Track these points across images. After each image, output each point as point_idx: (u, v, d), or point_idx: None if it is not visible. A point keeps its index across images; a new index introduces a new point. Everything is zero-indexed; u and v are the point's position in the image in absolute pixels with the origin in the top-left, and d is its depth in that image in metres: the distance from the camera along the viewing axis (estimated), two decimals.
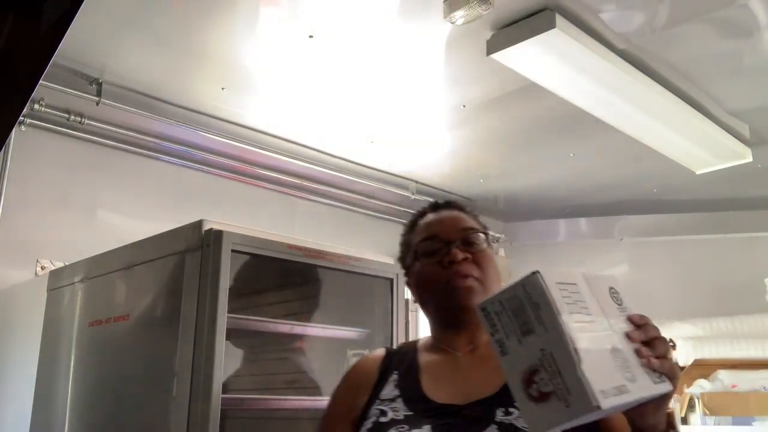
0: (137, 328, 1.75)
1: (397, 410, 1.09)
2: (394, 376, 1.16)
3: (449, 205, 1.28)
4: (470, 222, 1.22)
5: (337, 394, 1.21)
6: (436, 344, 1.18)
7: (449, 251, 1.14)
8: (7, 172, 2.45)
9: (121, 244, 1.96)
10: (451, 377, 1.13)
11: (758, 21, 2.14)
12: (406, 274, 1.25)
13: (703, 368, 3.41)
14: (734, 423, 3.12)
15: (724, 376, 3.32)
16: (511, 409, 1.01)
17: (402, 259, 1.27)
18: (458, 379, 1.11)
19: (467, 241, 1.17)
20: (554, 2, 2.04)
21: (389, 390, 1.13)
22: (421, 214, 1.28)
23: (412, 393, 1.11)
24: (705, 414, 3.18)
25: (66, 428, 1.89)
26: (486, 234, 1.21)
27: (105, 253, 2.00)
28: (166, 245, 1.71)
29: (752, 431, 3.07)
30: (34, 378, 2.10)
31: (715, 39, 2.26)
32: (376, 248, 3.65)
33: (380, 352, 1.23)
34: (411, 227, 1.26)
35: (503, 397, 1.01)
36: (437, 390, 1.10)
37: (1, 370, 2.32)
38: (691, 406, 3.28)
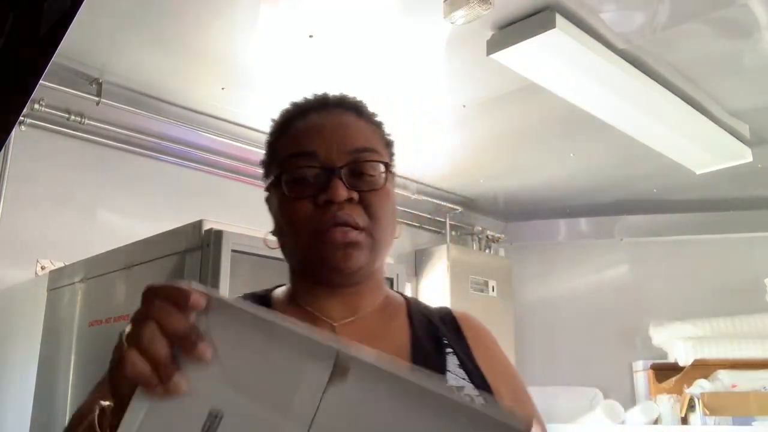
0: None
1: None
2: None
3: (343, 104, 0.93)
4: (367, 138, 0.85)
5: None
6: (300, 305, 0.84)
7: (328, 185, 0.78)
8: (7, 172, 2.45)
9: (121, 244, 1.96)
10: None
11: (758, 21, 2.14)
12: (267, 190, 0.87)
13: (703, 368, 3.41)
14: (734, 423, 3.12)
15: (724, 376, 3.32)
16: None
17: (264, 167, 0.88)
18: None
19: (357, 171, 0.80)
20: (554, 2, 2.04)
21: None
22: (301, 110, 0.93)
23: None
24: (705, 414, 3.17)
25: None
26: (386, 164, 0.84)
27: (105, 253, 2.00)
28: (166, 245, 1.71)
29: (752, 431, 3.07)
30: (34, 378, 2.10)
31: (715, 39, 2.26)
32: None
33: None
34: (282, 125, 0.91)
35: None
36: None
37: (1, 370, 2.32)
38: (691, 406, 3.28)
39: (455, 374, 0.80)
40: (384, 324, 0.84)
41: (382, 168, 0.83)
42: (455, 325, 0.87)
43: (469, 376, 0.80)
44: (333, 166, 0.79)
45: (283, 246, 0.85)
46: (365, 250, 0.79)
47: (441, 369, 0.79)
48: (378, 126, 0.92)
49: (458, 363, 0.81)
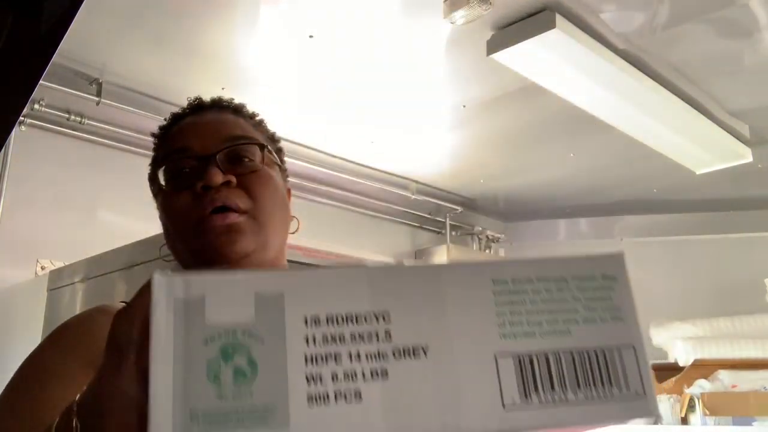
0: None
1: None
2: None
3: (218, 104, 0.90)
4: (243, 129, 0.84)
5: (46, 364, 0.77)
6: None
7: (204, 172, 0.76)
8: (7, 172, 2.45)
9: (121, 244, 1.96)
10: None
11: (758, 21, 2.14)
12: (155, 199, 0.84)
13: (703, 368, 3.41)
14: (734, 423, 3.12)
15: (724, 376, 3.32)
16: None
17: (150, 181, 0.85)
18: None
19: (233, 156, 0.79)
20: (554, 2, 2.04)
21: None
22: (176, 117, 0.89)
23: None
24: (705, 414, 3.17)
25: None
26: (263, 146, 0.82)
27: (105, 253, 2.00)
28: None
29: (752, 431, 3.07)
30: None
31: (715, 39, 2.26)
32: (376, 248, 3.67)
33: (119, 304, 0.83)
34: (163, 135, 0.87)
35: None
36: None
37: (1, 370, 2.32)
38: (691, 406, 3.28)
39: None
40: None
41: (257, 149, 0.81)
42: None
43: None
44: (208, 153, 0.78)
45: (172, 247, 0.82)
46: (250, 235, 0.75)
47: None
48: (258, 123, 0.90)
49: None
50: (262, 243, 0.77)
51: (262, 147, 0.82)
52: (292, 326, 0.37)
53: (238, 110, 0.90)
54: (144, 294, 0.41)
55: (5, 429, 0.72)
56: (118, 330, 0.44)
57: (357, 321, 0.38)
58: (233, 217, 0.75)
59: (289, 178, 0.88)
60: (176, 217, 0.78)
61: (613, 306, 0.48)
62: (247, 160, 0.80)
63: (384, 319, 0.38)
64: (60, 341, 0.82)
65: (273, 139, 0.90)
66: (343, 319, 0.38)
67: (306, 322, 0.37)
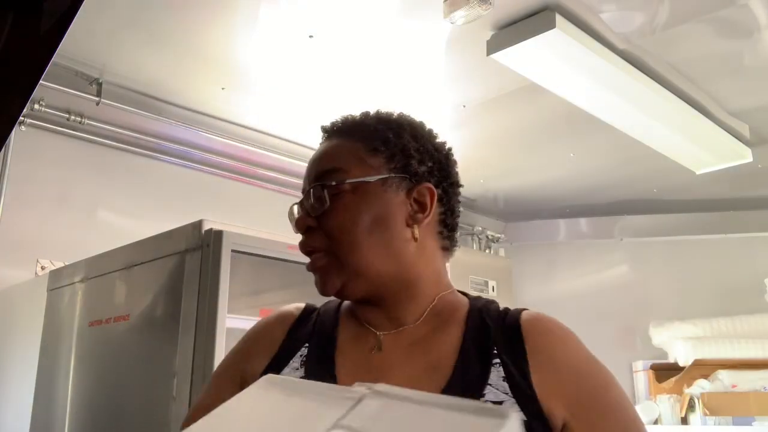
0: (137, 328, 1.75)
1: None
2: (304, 350, 0.87)
3: (327, 130, 0.91)
4: (331, 159, 0.85)
5: (233, 351, 0.94)
6: (356, 317, 0.89)
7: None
8: (7, 172, 2.45)
9: (121, 244, 1.96)
10: (369, 364, 0.83)
11: (758, 21, 2.14)
12: None
13: (703, 368, 3.41)
14: (734, 423, 3.12)
15: (724, 376, 3.32)
16: None
17: None
18: (377, 367, 0.83)
19: (313, 197, 0.83)
20: (554, 2, 2.04)
21: (293, 366, 0.86)
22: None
23: (322, 378, 0.84)
24: (705, 414, 3.18)
25: (66, 428, 1.89)
26: (342, 169, 0.83)
27: (105, 253, 2.00)
28: (166, 245, 1.71)
29: (752, 431, 3.07)
30: (34, 378, 2.10)
31: (715, 39, 2.26)
32: None
33: (296, 308, 0.93)
34: None
35: None
36: (351, 378, 0.81)
37: (1, 370, 2.32)
38: (691, 406, 3.28)
39: (496, 387, 0.74)
40: (431, 333, 0.82)
41: (333, 186, 0.83)
42: (516, 332, 0.79)
43: (513, 390, 0.74)
44: (303, 198, 0.86)
45: None
46: (334, 271, 0.82)
47: (482, 381, 0.74)
48: (356, 139, 0.87)
49: (503, 375, 0.75)
50: (351, 275, 0.82)
51: (342, 170, 0.83)
52: None
53: (338, 132, 0.90)
54: None
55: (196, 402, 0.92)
56: None
57: None
58: (314, 259, 0.83)
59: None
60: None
61: None
62: (318, 200, 0.83)
63: None
64: (245, 334, 0.95)
65: (374, 150, 0.86)
66: None
67: None
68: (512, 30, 2.14)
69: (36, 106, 2.52)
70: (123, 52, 2.41)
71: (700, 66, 2.45)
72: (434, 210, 0.86)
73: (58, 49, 0.70)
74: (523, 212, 4.27)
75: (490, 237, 4.29)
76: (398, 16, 2.15)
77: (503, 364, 0.76)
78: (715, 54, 2.36)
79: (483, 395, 0.73)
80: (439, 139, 0.95)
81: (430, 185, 0.86)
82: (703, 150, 2.95)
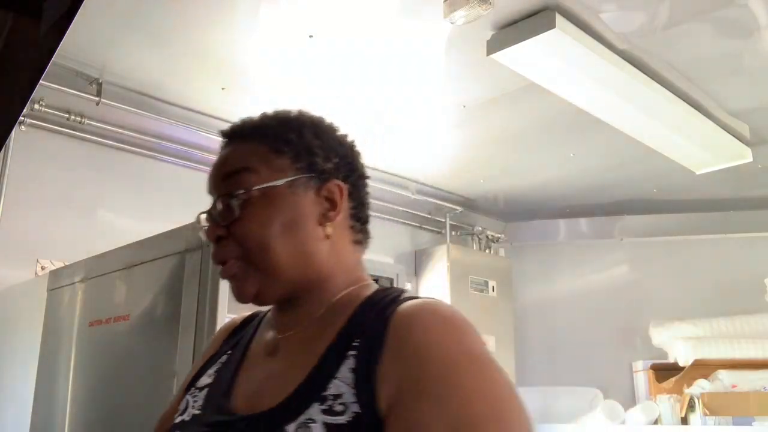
0: (137, 328, 1.75)
1: (195, 407, 0.84)
2: (225, 357, 0.90)
3: (228, 135, 0.88)
4: (235, 162, 0.84)
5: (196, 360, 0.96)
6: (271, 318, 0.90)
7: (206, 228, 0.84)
8: (7, 172, 2.45)
9: (121, 244, 1.96)
10: (263, 368, 0.83)
11: (758, 21, 2.14)
12: None
13: (703, 368, 3.41)
14: (734, 423, 3.12)
15: (724, 376, 3.32)
16: None
17: None
18: (267, 371, 0.82)
19: (222, 206, 0.82)
20: (554, 2, 2.04)
21: (209, 373, 0.88)
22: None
23: (221, 385, 0.84)
24: (705, 414, 3.17)
25: (66, 428, 1.89)
26: (250, 169, 0.81)
27: (105, 253, 2.00)
28: (166, 245, 1.71)
29: (752, 431, 3.07)
30: (34, 378, 2.10)
31: (715, 39, 2.26)
32: (376, 248, 3.66)
33: (241, 316, 0.97)
34: None
35: (285, 413, 0.70)
36: (246, 385, 0.82)
37: (1, 370, 2.32)
38: (691, 406, 3.28)
39: (341, 380, 0.70)
40: (318, 332, 0.78)
41: (241, 191, 0.80)
42: (386, 321, 0.73)
43: (356, 381, 0.69)
44: (209, 208, 0.84)
45: None
46: (248, 278, 0.81)
47: (330, 375, 0.71)
48: (258, 141, 0.84)
49: (352, 366, 0.71)
50: (265, 281, 0.81)
51: (249, 169, 0.81)
52: None
53: (239, 134, 0.87)
54: None
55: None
56: None
57: None
58: (228, 268, 0.81)
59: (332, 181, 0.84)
60: None
61: None
62: (227, 208, 0.81)
63: None
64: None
65: (278, 151, 0.83)
66: None
67: None
68: (512, 30, 2.14)
69: (36, 106, 2.51)
70: (123, 52, 2.41)
71: (700, 66, 2.45)
72: (345, 205, 0.84)
73: (58, 49, 0.70)
74: (523, 212, 4.27)
75: (490, 237, 4.29)
76: (398, 16, 2.15)
77: (357, 354, 0.72)
78: (715, 54, 2.36)
79: (327, 389, 0.70)
80: (341, 132, 0.93)
81: (339, 182, 0.84)
82: (703, 150, 2.95)
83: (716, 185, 3.53)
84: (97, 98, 2.55)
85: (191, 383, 0.89)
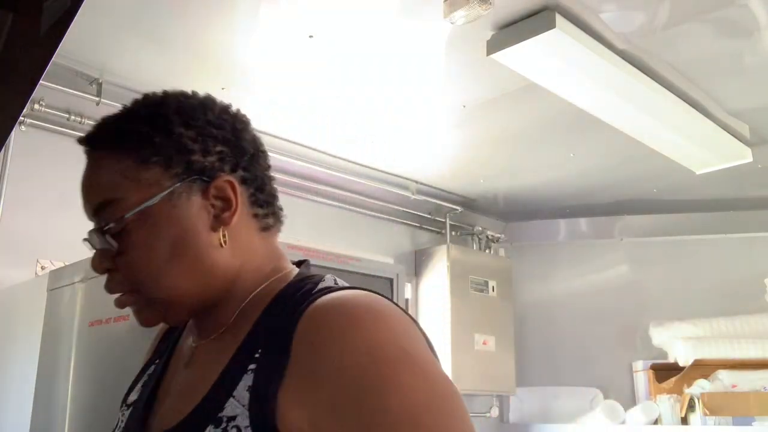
0: (137, 328, 1.74)
1: (120, 427, 0.80)
2: (152, 368, 0.87)
3: (92, 141, 0.80)
4: (105, 189, 0.73)
5: None
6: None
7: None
8: (7, 172, 2.45)
9: None
10: (179, 380, 0.77)
11: (758, 21, 2.14)
12: None
13: (703, 368, 3.41)
14: (734, 423, 3.12)
15: (724, 376, 3.32)
16: None
17: None
18: (182, 384, 0.76)
19: (100, 242, 0.74)
20: (554, 2, 2.04)
21: (137, 389, 0.85)
22: None
23: (142, 402, 0.79)
24: (705, 414, 3.18)
25: (66, 428, 1.89)
26: (117, 200, 0.71)
27: None
28: None
29: (752, 431, 3.07)
30: (34, 378, 2.10)
31: (715, 39, 2.26)
32: (376, 248, 3.67)
33: None
34: None
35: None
36: (163, 401, 0.77)
37: (1, 370, 2.32)
38: (691, 406, 3.28)
39: (238, 399, 0.63)
40: (228, 340, 0.71)
41: (112, 225, 0.71)
42: (291, 326, 0.64)
43: (252, 401, 0.61)
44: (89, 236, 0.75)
45: None
46: (147, 308, 0.74)
47: (228, 393, 0.64)
48: (121, 152, 0.74)
49: (250, 384, 0.63)
50: (165, 307, 0.73)
51: (107, 228, 0.71)
52: None
53: (109, 144, 0.76)
54: None
55: None
56: None
57: None
58: (123, 300, 0.75)
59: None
60: None
61: None
62: (109, 244, 0.72)
63: None
64: None
65: (143, 161, 0.71)
66: None
67: None
68: (512, 30, 2.14)
69: (36, 106, 2.51)
70: (123, 52, 2.41)
71: (700, 66, 2.45)
72: (241, 198, 0.74)
73: (58, 49, 0.70)
74: (523, 212, 4.27)
75: (490, 237, 4.29)
76: (398, 16, 2.15)
77: (257, 369, 0.64)
78: (715, 54, 2.36)
79: (223, 409, 0.63)
80: (219, 106, 0.82)
81: (227, 176, 0.73)
82: (703, 150, 2.95)
83: (716, 185, 3.53)
84: (97, 98, 2.55)
85: (124, 398, 0.86)
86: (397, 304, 0.68)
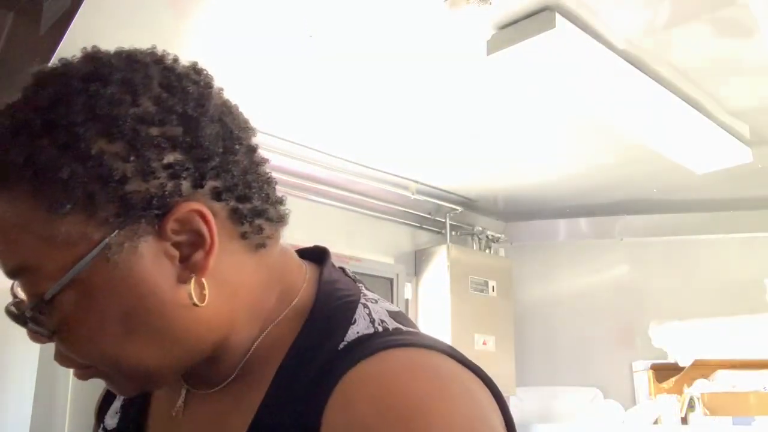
0: None
1: None
2: (119, 402, 0.72)
3: None
4: (9, 255, 0.50)
5: None
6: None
7: None
8: None
9: None
10: (173, 428, 0.63)
11: (758, 21, 2.14)
12: None
13: (703, 368, 3.41)
14: (734, 423, 3.12)
15: (724, 376, 3.32)
16: None
17: None
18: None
19: (29, 321, 0.52)
20: (554, 2, 2.04)
21: (115, 409, 0.72)
22: None
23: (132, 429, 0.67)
24: (705, 414, 3.18)
25: (66, 428, 1.89)
26: (26, 268, 0.49)
27: None
28: None
29: (752, 431, 3.07)
30: (34, 378, 2.10)
31: (715, 39, 2.26)
32: (376, 248, 3.67)
33: None
34: None
35: None
36: None
37: (1, 370, 2.32)
38: (691, 406, 3.28)
39: None
40: (238, 397, 0.57)
41: (31, 308, 0.50)
42: (321, 401, 0.49)
43: None
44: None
45: None
46: (118, 381, 0.56)
47: None
48: (20, 194, 0.48)
49: None
50: (138, 381, 0.56)
51: (27, 311, 0.51)
52: None
53: (2, 175, 0.49)
54: None
55: None
56: None
57: None
58: (85, 374, 0.55)
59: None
60: None
61: None
62: (40, 321, 0.52)
63: None
64: None
65: (54, 207, 0.47)
66: None
67: None
68: (512, 30, 2.14)
69: None
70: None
71: (700, 66, 2.45)
72: (218, 224, 0.52)
73: (58, 49, 0.70)
74: (523, 212, 4.27)
75: (490, 237, 4.29)
76: (398, 16, 2.15)
77: None
78: (715, 54, 2.36)
79: None
80: (157, 81, 0.52)
81: (190, 201, 0.50)
82: (703, 150, 2.95)
83: (716, 185, 3.53)
84: None
85: (99, 415, 0.74)
86: (473, 366, 0.56)
